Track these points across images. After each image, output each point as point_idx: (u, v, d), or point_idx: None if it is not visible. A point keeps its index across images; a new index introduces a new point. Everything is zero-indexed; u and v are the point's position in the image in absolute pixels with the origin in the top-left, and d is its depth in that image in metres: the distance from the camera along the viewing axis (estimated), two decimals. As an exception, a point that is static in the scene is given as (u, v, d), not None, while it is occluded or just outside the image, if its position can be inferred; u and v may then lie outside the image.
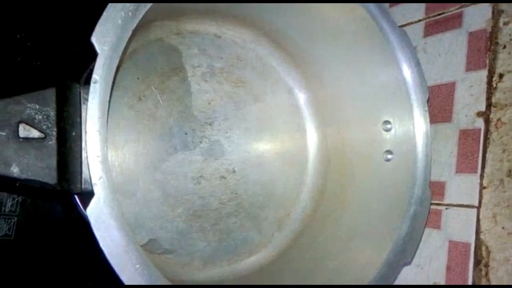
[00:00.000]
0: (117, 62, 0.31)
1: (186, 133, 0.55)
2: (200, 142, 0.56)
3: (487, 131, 0.48)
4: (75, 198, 0.45)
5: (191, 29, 0.55)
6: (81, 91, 0.32)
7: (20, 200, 0.51)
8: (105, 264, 0.31)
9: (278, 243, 0.59)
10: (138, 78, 0.51)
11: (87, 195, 0.31)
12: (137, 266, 0.31)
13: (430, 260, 0.51)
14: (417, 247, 0.50)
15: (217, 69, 0.57)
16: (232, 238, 0.57)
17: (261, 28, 0.58)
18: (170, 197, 0.53)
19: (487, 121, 0.49)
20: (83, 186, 0.32)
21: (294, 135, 0.63)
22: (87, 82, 0.30)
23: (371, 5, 0.48)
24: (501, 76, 0.48)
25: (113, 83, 0.31)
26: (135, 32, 0.35)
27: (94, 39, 0.30)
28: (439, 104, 0.53)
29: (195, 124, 0.56)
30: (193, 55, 0.55)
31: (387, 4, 0.62)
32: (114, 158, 0.49)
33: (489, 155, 0.48)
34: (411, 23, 0.58)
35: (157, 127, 0.53)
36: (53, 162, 0.31)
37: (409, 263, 0.50)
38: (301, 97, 0.63)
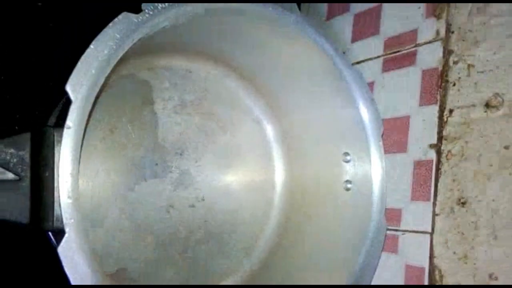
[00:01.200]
0: (89, 108, 0.33)
1: (156, 164, 0.56)
2: (170, 172, 0.57)
3: (438, 162, 0.50)
4: (49, 235, 0.45)
5: (163, 65, 0.56)
6: (55, 134, 0.33)
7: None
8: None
9: (246, 270, 0.60)
10: (110, 111, 0.52)
11: (59, 232, 0.32)
12: (105, 301, 0.32)
13: (389, 283, 0.53)
14: (374, 271, 0.52)
15: (187, 101, 0.58)
16: (201, 266, 0.57)
17: (229, 64, 0.60)
18: (139, 226, 0.53)
19: (438, 153, 0.51)
20: (55, 224, 0.33)
21: (262, 165, 0.64)
22: (58, 123, 0.32)
23: (326, 45, 0.50)
24: (451, 111, 0.50)
25: (86, 126, 0.33)
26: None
27: (68, 88, 0.32)
28: (395, 136, 0.55)
29: (166, 154, 0.56)
30: (164, 89, 0.57)
31: (347, 41, 0.63)
32: (84, 187, 0.50)
33: (440, 184, 0.50)
34: (371, 59, 0.60)
35: (128, 158, 0.53)
36: (27, 202, 0.33)
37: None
38: (269, 128, 0.64)
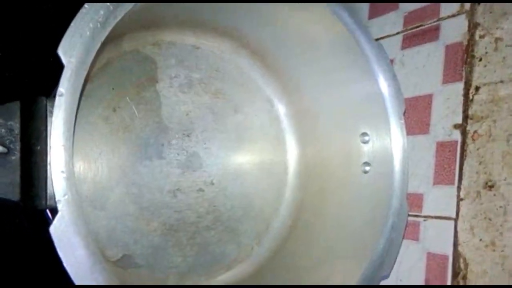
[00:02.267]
0: (84, 75, 0.30)
1: (162, 145, 0.54)
2: (177, 154, 0.55)
3: (463, 143, 0.49)
4: (47, 212, 0.43)
5: (168, 40, 0.54)
6: (47, 104, 0.31)
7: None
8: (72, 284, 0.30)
9: (256, 257, 0.59)
10: (112, 89, 0.50)
11: (55, 211, 0.30)
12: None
13: (409, 272, 0.51)
14: (395, 260, 0.50)
15: (195, 80, 0.57)
16: (210, 253, 0.56)
17: (240, 39, 0.58)
18: (145, 210, 0.52)
19: (463, 133, 0.49)
20: (48, 202, 0.31)
21: (273, 147, 0.62)
22: (50, 93, 0.29)
23: (348, 18, 0.48)
24: (477, 88, 0.49)
25: (81, 96, 0.30)
26: (107, 43, 0.34)
27: (60, 51, 0.29)
28: (416, 116, 0.54)
29: (172, 135, 0.55)
30: (170, 66, 0.55)
31: (364, 17, 0.62)
32: (87, 170, 0.48)
33: (466, 167, 0.48)
34: (389, 35, 0.59)
35: (132, 139, 0.52)
36: (16, 177, 0.30)
37: (387, 276, 0.50)
38: (281, 109, 0.63)
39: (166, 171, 0.54)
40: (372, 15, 0.61)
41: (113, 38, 0.38)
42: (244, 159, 0.61)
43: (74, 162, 0.48)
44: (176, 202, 0.54)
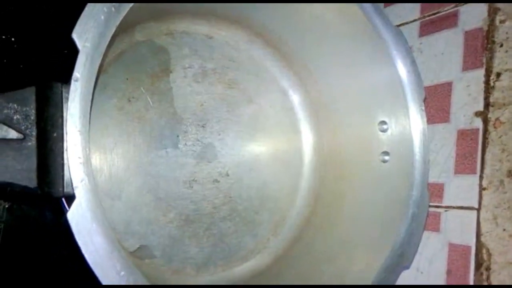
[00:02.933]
0: (100, 59, 0.30)
1: (177, 136, 0.54)
2: (193, 145, 0.55)
3: (485, 131, 0.48)
4: (62, 201, 0.43)
5: (182, 30, 0.53)
6: (63, 90, 0.30)
7: (7, 206, 0.49)
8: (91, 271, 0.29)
9: (273, 248, 0.58)
10: (127, 79, 0.50)
11: (71, 199, 0.29)
12: (122, 273, 0.29)
13: (430, 264, 0.50)
14: (416, 250, 0.49)
15: (209, 70, 0.56)
16: (226, 244, 0.56)
17: (254, 28, 0.57)
18: (161, 201, 0.51)
19: (485, 121, 0.48)
20: (65, 189, 0.30)
21: (289, 137, 0.61)
22: (67, 79, 0.29)
23: (365, 4, 0.47)
24: (498, 75, 0.48)
25: (96, 81, 0.30)
26: (121, 32, 0.34)
27: (75, 36, 0.29)
28: (436, 104, 0.53)
29: (187, 126, 0.54)
30: (184, 56, 0.54)
31: (379, 5, 0.61)
32: (102, 161, 0.48)
33: (488, 156, 0.47)
34: (406, 23, 0.58)
35: (147, 129, 0.51)
36: (33, 164, 0.30)
37: (408, 267, 0.49)
38: (296, 98, 0.62)
39: (181, 162, 0.53)
40: (388, 2, 0.60)
41: (126, 28, 0.38)
42: (259, 149, 0.60)
43: (90, 153, 0.48)
44: (192, 193, 0.53)
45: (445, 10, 0.53)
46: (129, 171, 0.50)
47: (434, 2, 0.55)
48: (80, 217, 0.28)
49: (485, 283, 0.45)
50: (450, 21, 0.53)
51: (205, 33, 0.55)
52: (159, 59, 0.52)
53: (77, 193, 0.28)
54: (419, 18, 0.56)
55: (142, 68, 0.51)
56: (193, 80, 0.55)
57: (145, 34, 0.50)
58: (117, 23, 0.31)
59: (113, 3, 0.31)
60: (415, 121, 0.48)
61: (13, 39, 0.46)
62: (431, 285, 0.49)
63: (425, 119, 0.49)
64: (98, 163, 0.48)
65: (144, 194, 0.50)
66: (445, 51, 0.53)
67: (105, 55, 0.32)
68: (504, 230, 0.45)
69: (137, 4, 0.34)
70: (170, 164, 0.53)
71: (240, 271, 0.56)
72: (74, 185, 0.28)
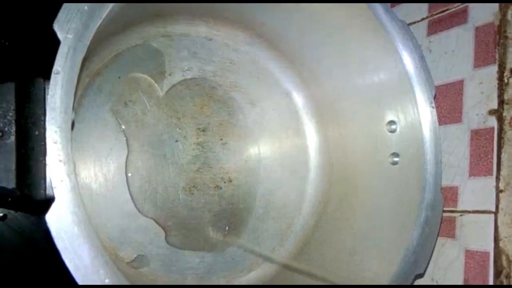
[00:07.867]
0: (83, 52, 0.28)
1: (176, 141, 0.53)
2: (193, 149, 0.54)
3: (500, 130, 0.46)
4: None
5: (180, 32, 0.53)
6: (46, 86, 0.29)
7: (1, 215, 0.48)
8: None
9: (279, 258, 0.56)
10: (123, 83, 0.49)
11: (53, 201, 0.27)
12: (106, 280, 0.27)
13: (446, 272, 0.48)
14: (430, 257, 0.47)
15: (209, 72, 0.55)
16: (229, 253, 0.54)
17: (254, 29, 0.56)
18: (160, 209, 0.50)
19: (500, 119, 0.46)
20: (47, 192, 0.28)
21: (294, 140, 0.60)
22: (49, 75, 0.27)
23: (374, 4, 0.46)
24: None
25: (79, 75, 0.28)
26: (117, 33, 0.32)
27: (56, 26, 0.28)
28: (447, 104, 0.51)
29: (187, 130, 0.53)
30: (183, 58, 0.53)
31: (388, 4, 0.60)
32: (97, 168, 0.47)
33: (504, 156, 0.45)
34: (414, 22, 0.57)
35: (145, 134, 0.50)
36: (11, 163, 0.28)
37: (422, 275, 0.47)
38: (300, 100, 0.60)
39: (181, 167, 0.52)
40: (395, 2, 0.59)
41: (122, 29, 0.36)
42: (263, 154, 0.59)
43: (85, 159, 0.46)
44: (192, 200, 0.52)
45: (454, 7, 0.52)
46: (125, 178, 0.49)
47: (442, 2, 0.54)
48: (59, 220, 0.26)
49: (507, 292, 0.43)
50: (460, 17, 0.52)
51: (204, 35, 0.55)
52: (157, 62, 0.52)
53: (57, 194, 0.26)
54: (427, 17, 0.56)
55: (139, 70, 0.50)
56: (193, 83, 0.54)
57: (142, 36, 0.50)
58: (103, 14, 0.30)
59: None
60: (425, 119, 0.46)
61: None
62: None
63: (436, 118, 0.47)
64: (92, 169, 0.47)
65: (141, 201, 0.49)
66: (456, 48, 0.52)
67: (98, 54, 0.30)
68: (524, 234, 0.43)
69: (133, 4, 0.33)
70: (168, 170, 0.51)
71: (244, 282, 0.54)
72: (53, 185, 0.26)
